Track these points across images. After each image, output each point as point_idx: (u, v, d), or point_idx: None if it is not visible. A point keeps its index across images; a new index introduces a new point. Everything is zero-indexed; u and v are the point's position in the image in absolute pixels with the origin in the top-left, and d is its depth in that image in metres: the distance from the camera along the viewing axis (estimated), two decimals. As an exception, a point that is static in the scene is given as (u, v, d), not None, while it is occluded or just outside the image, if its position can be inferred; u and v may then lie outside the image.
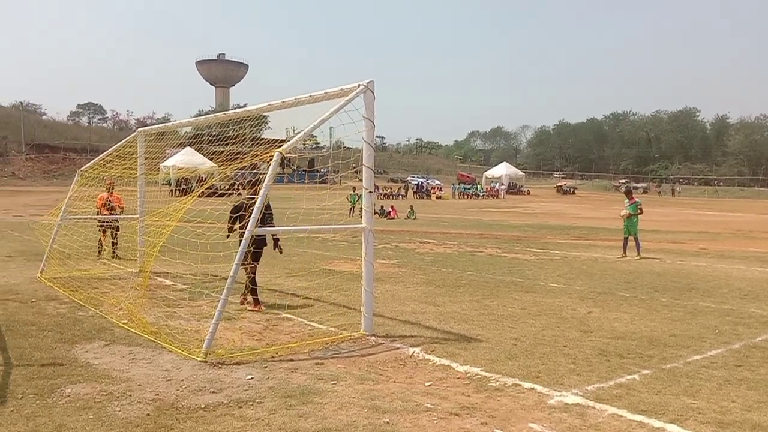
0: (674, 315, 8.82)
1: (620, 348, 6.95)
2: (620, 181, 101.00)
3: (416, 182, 73.55)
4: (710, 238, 22.60)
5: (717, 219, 36.50)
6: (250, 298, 8.88)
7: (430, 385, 5.59)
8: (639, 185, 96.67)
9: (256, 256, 8.52)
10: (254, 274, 8.78)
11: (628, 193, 17.22)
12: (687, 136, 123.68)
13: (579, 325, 8.09)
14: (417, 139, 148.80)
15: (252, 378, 5.69)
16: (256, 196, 8.93)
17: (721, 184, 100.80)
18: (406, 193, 62.41)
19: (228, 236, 8.71)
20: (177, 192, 27.56)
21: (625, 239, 15.83)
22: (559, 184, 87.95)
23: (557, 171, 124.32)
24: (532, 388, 5.53)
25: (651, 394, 5.40)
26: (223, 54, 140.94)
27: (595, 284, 11.43)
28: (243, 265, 8.37)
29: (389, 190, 59.21)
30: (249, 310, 8.73)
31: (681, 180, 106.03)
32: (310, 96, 7.96)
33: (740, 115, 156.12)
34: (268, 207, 8.64)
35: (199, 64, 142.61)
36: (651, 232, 22.64)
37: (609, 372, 6.06)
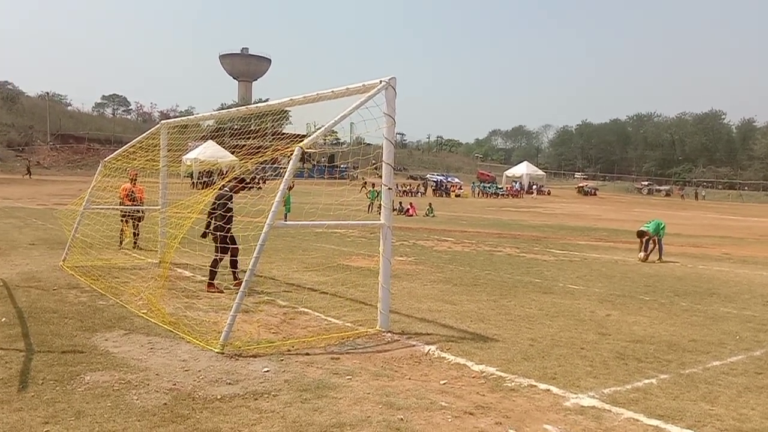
0: (694, 320, 8.71)
1: (638, 352, 6.88)
2: (643, 183, 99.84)
3: (435, 180, 73.34)
4: (733, 243, 22.25)
5: (741, 224, 35.92)
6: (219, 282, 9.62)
7: (444, 384, 5.59)
8: (662, 188, 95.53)
9: (224, 249, 9.24)
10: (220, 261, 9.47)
11: (641, 234, 15.71)
12: (712, 139, 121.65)
13: (597, 327, 8.03)
14: (437, 137, 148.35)
15: (268, 371, 5.73)
16: (230, 189, 9.32)
17: (746, 188, 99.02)
18: (425, 190, 62.26)
19: (204, 233, 9.26)
20: (198, 184, 27.80)
21: (648, 239, 15.52)
22: (581, 184, 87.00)
23: (579, 171, 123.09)
24: (548, 390, 5.49)
25: (668, 399, 5.34)
26: (247, 48, 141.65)
27: (614, 287, 11.32)
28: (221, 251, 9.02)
29: (408, 188, 59.10)
30: (209, 291, 9.35)
31: (705, 183, 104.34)
32: (331, 92, 7.96)
33: (767, 118, 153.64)
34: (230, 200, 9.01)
35: (223, 58, 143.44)
36: (673, 235, 22.33)
37: (626, 375, 6.00)
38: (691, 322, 8.54)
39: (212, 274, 9.44)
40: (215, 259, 9.35)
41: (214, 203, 8.93)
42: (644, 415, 4.94)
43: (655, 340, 7.46)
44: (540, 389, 5.50)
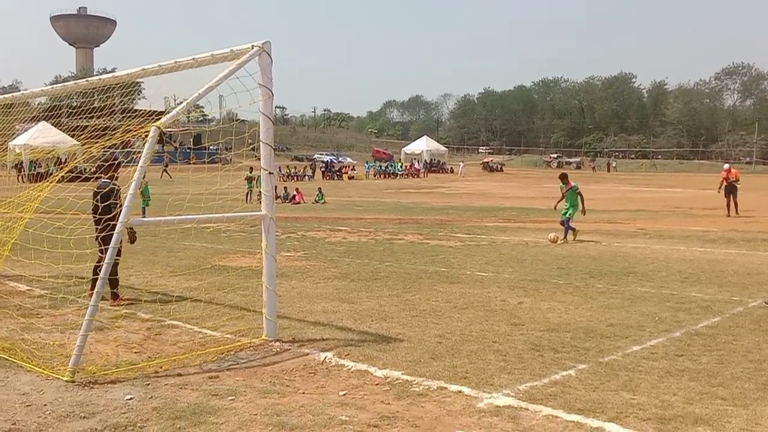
0: (611, 302, 9.29)
1: (554, 341, 7.24)
2: (551, 156, 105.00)
3: (325, 160, 73.42)
4: (648, 217, 23.92)
5: (655, 195, 38.68)
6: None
7: (344, 395, 5.63)
8: (572, 160, 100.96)
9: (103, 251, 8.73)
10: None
11: (564, 178, 16.91)
12: (622, 104, 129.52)
13: (509, 317, 8.37)
14: (324, 110, 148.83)
15: (131, 398, 5.53)
16: (113, 181, 8.92)
17: (660, 156, 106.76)
18: (314, 173, 62.19)
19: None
20: (31, 177, 26.23)
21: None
22: (485, 160, 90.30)
23: (483, 146, 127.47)
24: (460, 391, 5.67)
25: (588, 391, 5.67)
26: (85, 8, 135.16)
27: (525, 271, 11.85)
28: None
29: (294, 171, 58.77)
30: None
31: (617, 153, 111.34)
32: (193, 59, 7.74)
33: (679, 81, 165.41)
34: (116, 196, 8.60)
35: (55, 20, 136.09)
36: (586, 211, 23.62)
37: (543, 368, 6.30)
38: (608, 305, 9.10)
39: (112, 283, 8.95)
40: (98, 265, 8.86)
41: (100, 196, 8.59)
42: (563, 410, 5.21)
43: (571, 327, 7.88)
44: (451, 391, 5.67)
